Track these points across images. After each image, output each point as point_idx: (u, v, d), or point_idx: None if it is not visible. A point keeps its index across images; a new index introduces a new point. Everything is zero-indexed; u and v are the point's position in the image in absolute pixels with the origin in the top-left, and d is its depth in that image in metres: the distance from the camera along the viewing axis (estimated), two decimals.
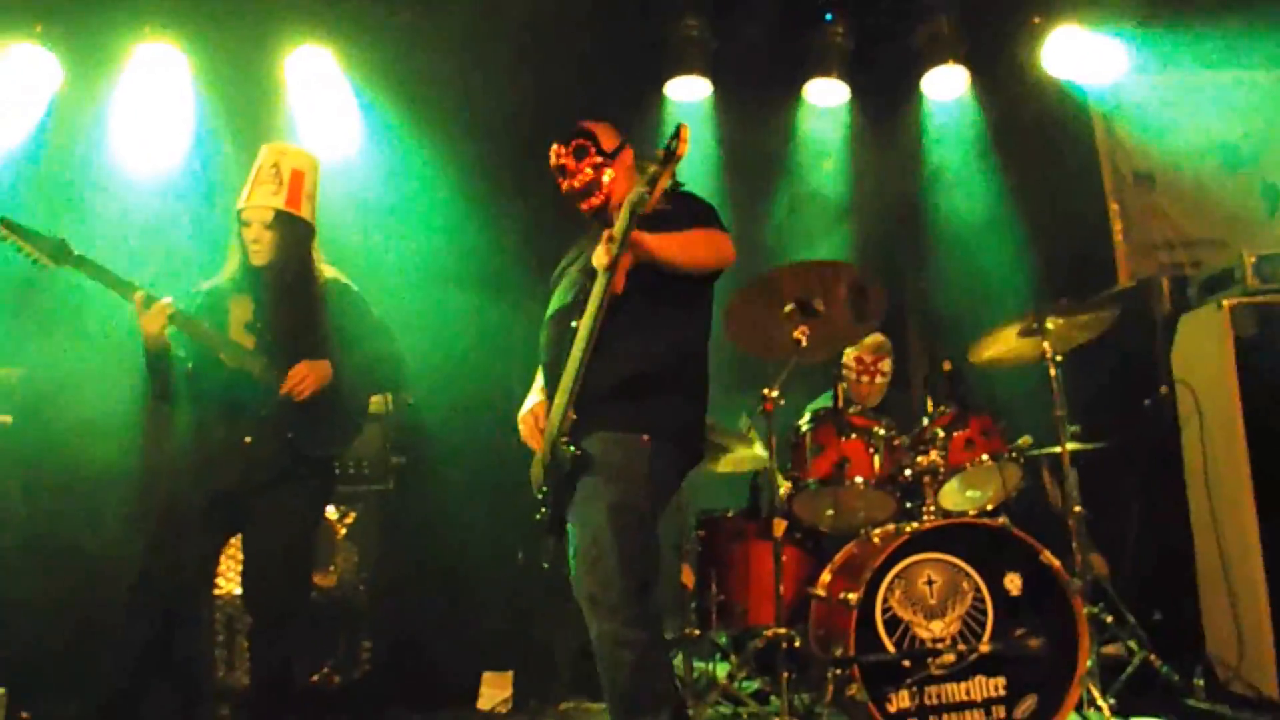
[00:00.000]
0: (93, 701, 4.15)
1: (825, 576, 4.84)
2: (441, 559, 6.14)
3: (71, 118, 6.34)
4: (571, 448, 3.58)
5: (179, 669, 5.38)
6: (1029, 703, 4.28)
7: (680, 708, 3.56)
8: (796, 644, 4.80)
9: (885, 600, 4.35)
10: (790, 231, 7.49)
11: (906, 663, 4.27)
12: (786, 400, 4.88)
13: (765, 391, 4.91)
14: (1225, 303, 5.18)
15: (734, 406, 5.85)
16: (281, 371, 4.37)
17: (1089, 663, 4.36)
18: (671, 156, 3.29)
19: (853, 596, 4.34)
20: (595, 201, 3.95)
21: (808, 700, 4.94)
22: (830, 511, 5.18)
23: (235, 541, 5.03)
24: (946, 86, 7.03)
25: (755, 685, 5.22)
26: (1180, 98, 6.87)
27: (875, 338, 6.05)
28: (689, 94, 7.17)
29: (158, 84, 6.37)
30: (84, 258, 4.30)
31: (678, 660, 5.46)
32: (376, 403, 5.76)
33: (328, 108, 6.66)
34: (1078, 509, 4.91)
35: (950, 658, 4.27)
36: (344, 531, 5.94)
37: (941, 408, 5.03)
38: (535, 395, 4.01)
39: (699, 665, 5.61)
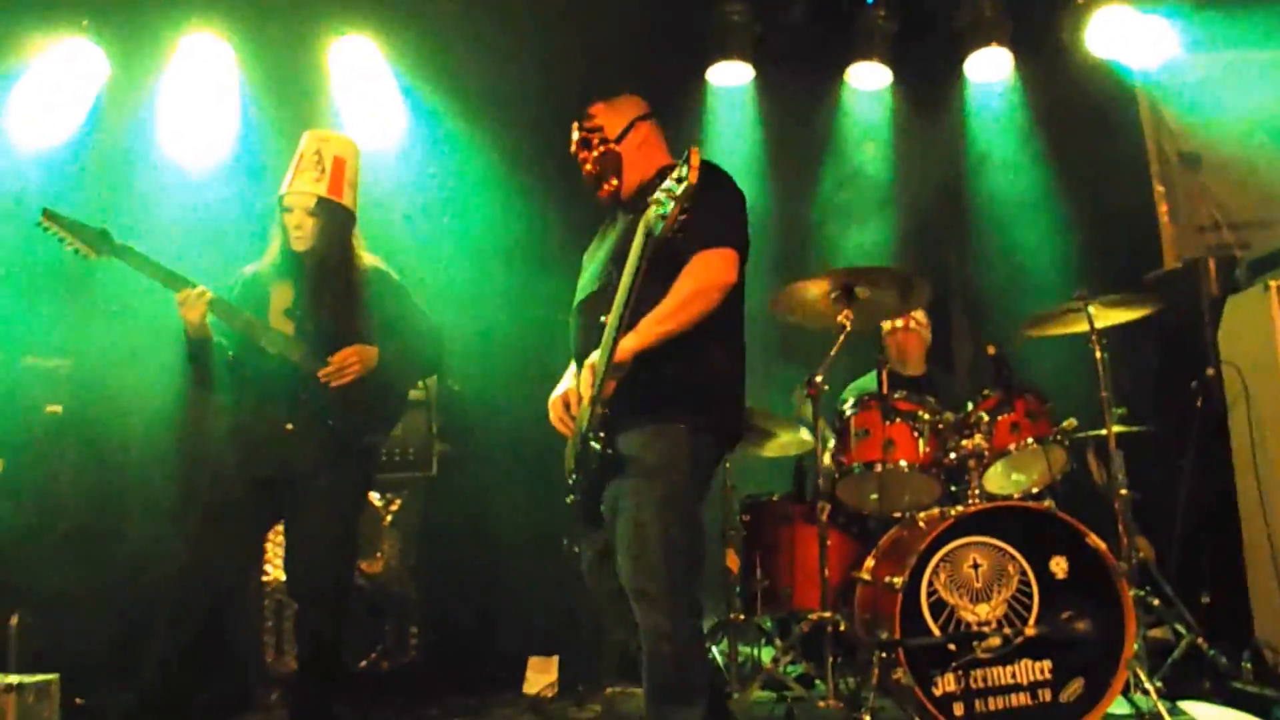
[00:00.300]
0: (144, 688, 4.19)
1: (870, 560, 4.83)
2: (486, 545, 6.17)
3: (119, 110, 6.41)
4: (600, 445, 3.54)
5: (228, 655, 5.45)
6: (1075, 686, 4.26)
7: (719, 698, 3.57)
8: (841, 628, 4.81)
9: (930, 584, 4.34)
10: (834, 216, 7.47)
11: (952, 646, 4.25)
12: (828, 380, 4.92)
13: (810, 378, 4.93)
14: (1273, 284, 5.12)
15: (776, 386, 5.86)
16: (321, 358, 4.40)
17: (1135, 646, 4.33)
18: (684, 186, 3.05)
19: (898, 580, 4.33)
20: (608, 189, 3.94)
21: (853, 684, 4.94)
22: (875, 495, 5.17)
23: (282, 528, 5.08)
24: (990, 69, 6.99)
25: (800, 669, 5.22)
26: (1227, 76, 6.79)
27: None
28: (731, 79, 7.17)
29: (203, 75, 6.43)
30: (125, 247, 4.34)
31: (723, 644, 5.48)
32: (419, 390, 5.79)
33: (371, 96, 6.70)
34: (1124, 492, 4.89)
35: (996, 641, 4.25)
36: (390, 519, 5.99)
37: (986, 391, 5.01)
38: (568, 380, 3.97)
39: (744, 650, 5.63)
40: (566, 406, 3.82)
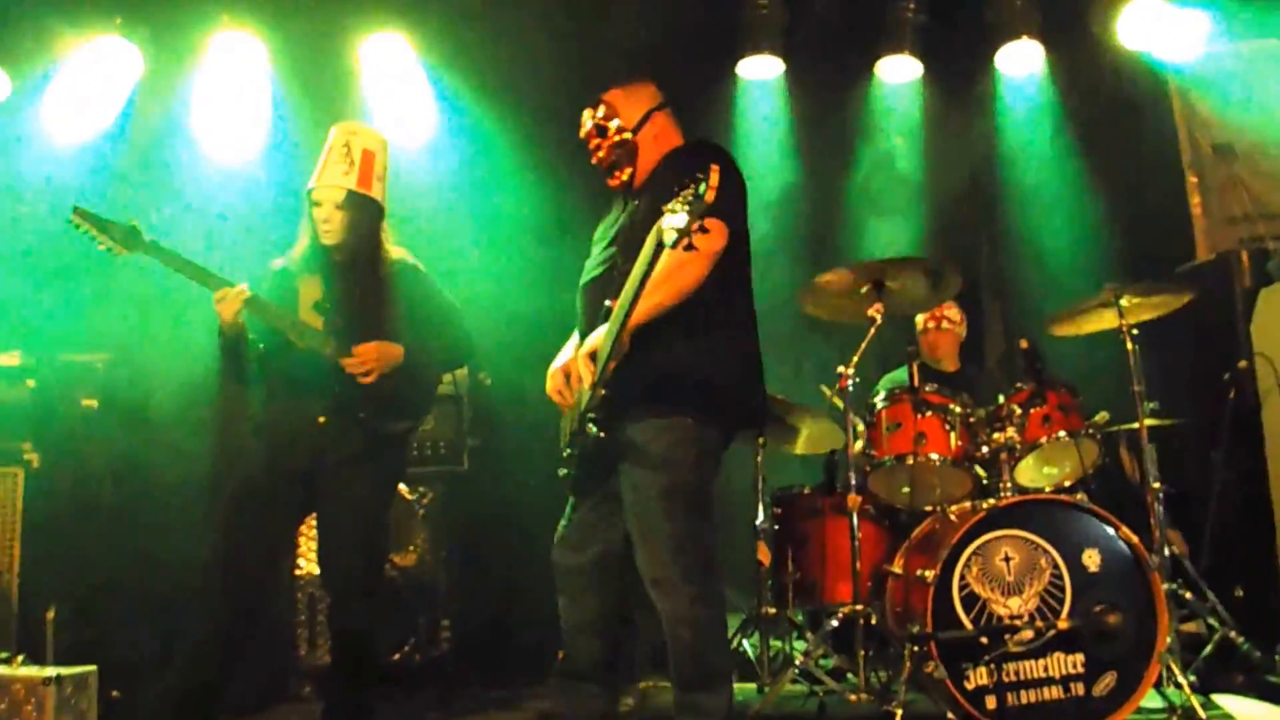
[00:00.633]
0: (179, 680, 4.23)
1: (901, 554, 4.83)
2: (518, 538, 6.18)
3: (152, 107, 6.47)
4: (596, 428, 3.56)
5: (261, 648, 5.49)
6: (1108, 680, 4.25)
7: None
8: (873, 621, 4.82)
9: (962, 577, 4.33)
10: (864, 211, 7.46)
11: (984, 640, 4.24)
12: (857, 371, 4.93)
13: (841, 369, 4.94)
14: None
15: (807, 379, 5.86)
16: (351, 351, 4.42)
17: (1168, 640, 4.32)
18: (699, 201, 3.07)
19: (930, 574, 4.33)
20: (621, 177, 3.95)
21: (885, 677, 4.95)
22: (906, 488, 5.16)
23: (314, 521, 5.11)
24: (1021, 62, 6.96)
25: (832, 663, 5.23)
26: (1260, 67, 6.73)
27: None
28: (761, 73, 7.16)
29: (235, 72, 6.49)
30: (156, 244, 4.34)
31: (754, 637, 5.48)
32: (448, 384, 5.81)
33: (401, 92, 6.73)
34: (1156, 485, 4.87)
35: (1028, 634, 4.24)
36: (422, 513, 6.02)
37: (1018, 384, 5.00)
38: (568, 351, 4.00)
39: (775, 643, 5.63)
40: (566, 378, 3.86)
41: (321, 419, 4.41)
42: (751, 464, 5.48)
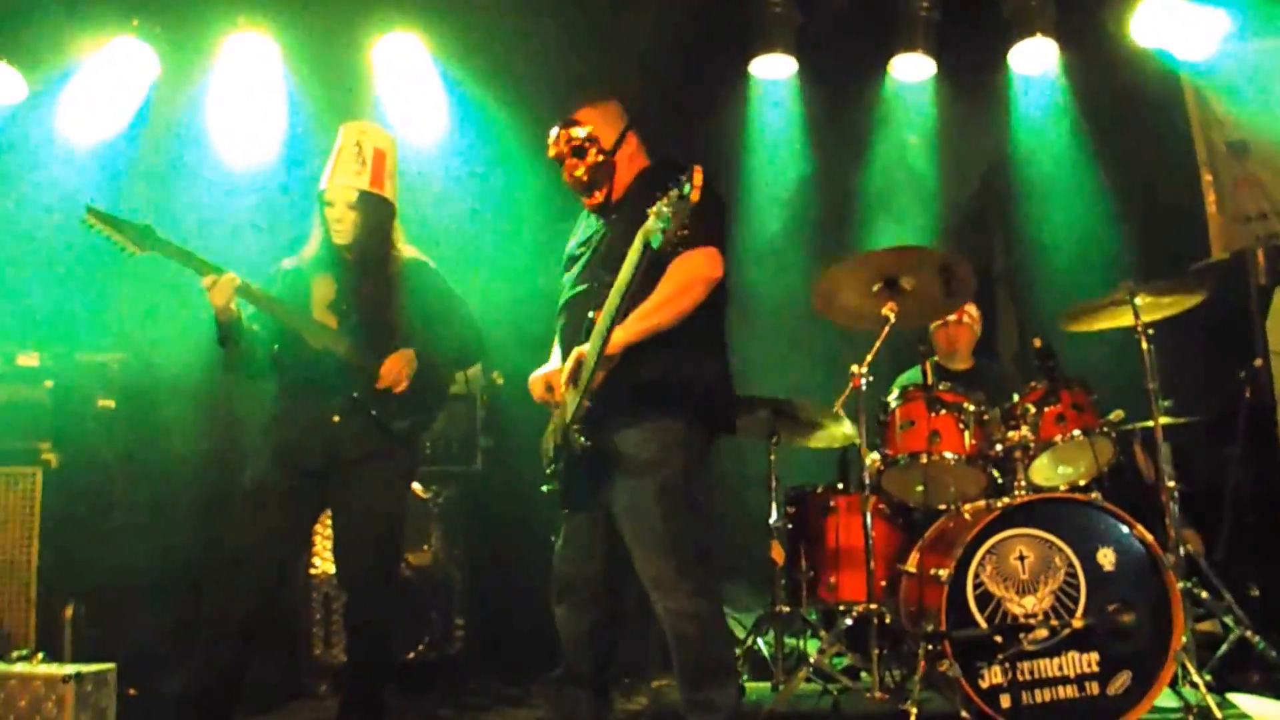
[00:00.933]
0: (195, 678, 4.24)
1: (915, 552, 4.82)
2: (531, 537, 6.17)
3: (168, 107, 6.50)
4: (582, 437, 3.67)
5: (277, 646, 5.51)
6: (1123, 678, 4.24)
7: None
8: (887, 620, 4.82)
9: (977, 576, 4.34)
10: (878, 208, 7.45)
11: (999, 638, 4.24)
12: (873, 372, 4.92)
13: (854, 368, 4.94)
14: None
15: (820, 378, 5.86)
16: (365, 350, 4.43)
17: (1184, 638, 4.32)
18: (684, 201, 3.17)
19: (944, 572, 4.33)
20: (598, 198, 4.03)
21: (899, 676, 4.95)
22: (920, 487, 5.16)
23: (329, 519, 5.13)
24: (1034, 59, 6.94)
25: (846, 661, 5.23)
26: (1275, 64, 6.71)
27: None
28: (774, 72, 7.16)
29: (250, 73, 6.51)
30: (169, 242, 4.35)
31: (768, 636, 5.49)
32: (461, 383, 5.83)
33: (415, 92, 6.75)
34: (1171, 483, 4.86)
35: (1043, 633, 4.24)
36: (436, 511, 6.04)
37: (1032, 383, 4.99)
38: (553, 361, 4.10)
39: (789, 641, 5.62)
40: (549, 388, 3.96)
41: (336, 418, 4.43)
42: (765, 462, 5.48)
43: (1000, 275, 7.70)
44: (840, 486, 5.51)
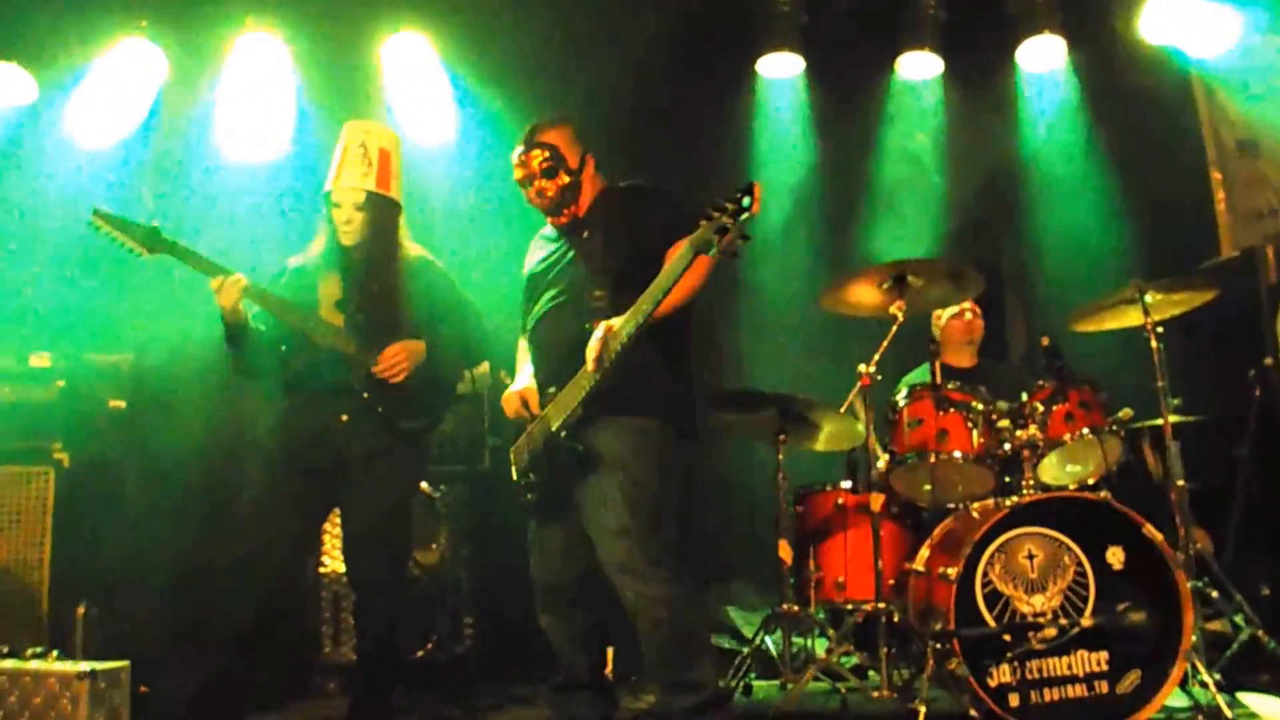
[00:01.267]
0: (205, 676, 4.26)
1: (924, 551, 4.82)
2: None
3: (178, 108, 6.51)
4: (578, 445, 3.84)
5: (286, 645, 5.52)
6: (1133, 678, 4.23)
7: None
8: (895, 619, 4.82)
9: (985, 575, 4.33)
10: (885, 207, 7.45)
11: (1007, 637, 4.24)
12: (880, 372, 4.93)
13: (861, 367, 4.94)
14: None
15: (826, 378, 5.86)
16: (373, 349, 4.44)
17: (1194, 638, 4.31)
18: (747, 215, 3.42)
19: (952, 571, 4.33)
20: (566, 218, 4.17)
21: (907, 675, 4.94)
22: (928, 486, 5.15)
23: (338, 518, 5.14)
24: (1042, 57, 6.93)
25: (854, 660, 5.23)
26: None
27: None
28: (781, 70, 7.15)
29: (259, 74, 6.52)
30: (176, 244, 4.39)
31: (776, 635, 5.49)
32: (469, 383, 5.84)
33: (423, 92, 6.75)
34: (1180, 482, 4.85)
35: (1052, 632, 4.23)
36: (445, 511, 6.04)
37: (1040, 381, 4.98)
38: (525, 378, 4.24)
39: (797, 640, 5.63)
40: (524, 404, 4.11)
41: (344, 417, 4.44)
42: (773, 461, 5.48)
43: (1008, 274, 7.69)
44: (848, 485, 5.50)
